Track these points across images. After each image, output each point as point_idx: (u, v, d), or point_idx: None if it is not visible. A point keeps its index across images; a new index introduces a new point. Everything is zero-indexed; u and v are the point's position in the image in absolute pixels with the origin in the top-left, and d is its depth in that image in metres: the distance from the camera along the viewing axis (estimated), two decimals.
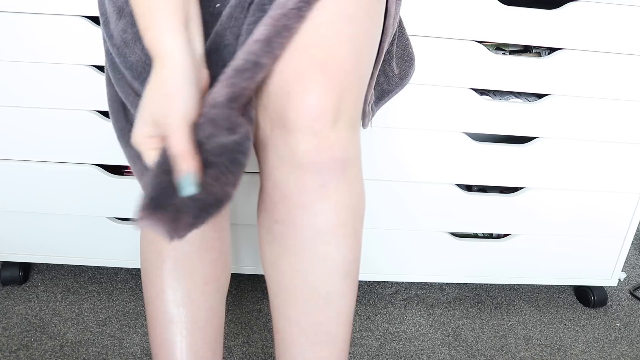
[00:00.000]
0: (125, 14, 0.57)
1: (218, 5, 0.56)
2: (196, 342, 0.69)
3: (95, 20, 0.87)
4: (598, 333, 1.11)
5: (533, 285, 1.24)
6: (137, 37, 0.56)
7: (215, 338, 0.72)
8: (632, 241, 1.43)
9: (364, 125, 0.85)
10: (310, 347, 0.63)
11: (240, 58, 0.52)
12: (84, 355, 0.92)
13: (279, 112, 0.54)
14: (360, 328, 1.05)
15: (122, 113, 0.63)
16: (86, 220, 1.01)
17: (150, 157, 0.52)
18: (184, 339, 0.68)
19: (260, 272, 1.09)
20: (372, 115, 0.85)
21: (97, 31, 0.86)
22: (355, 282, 0.64)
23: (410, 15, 0.88)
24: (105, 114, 0.94)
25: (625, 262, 1.37)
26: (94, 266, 1.15)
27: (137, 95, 0.58)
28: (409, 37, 0.87)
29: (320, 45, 0.53)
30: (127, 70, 0.58)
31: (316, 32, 0.54)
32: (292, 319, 0.63)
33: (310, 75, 0.53)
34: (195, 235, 0.68)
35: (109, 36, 0.59)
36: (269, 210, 0.60)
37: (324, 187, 0.56)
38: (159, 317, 0.69)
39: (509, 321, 1.12)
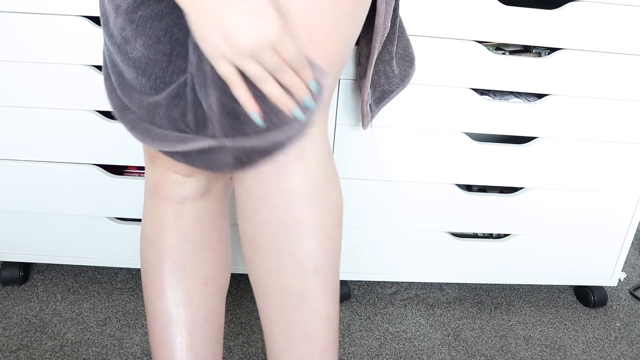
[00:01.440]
0: (122, 11, 0.56)
1: None
2: (196, 342, 0.69)
3: (95, 20, 0.87)
4: (598, 333, 1.11)
5: (533, 285, 1.24)
6: (137, 34, 0.56)
7: (215, 338, 0.72)
8: (632, 241, 1.43)
9: (363, 125, 0.85)
10: (289, 346, 0.63)
11: None
12: (84, 355, 0.92)
13: None
14: (360, 328, 1.05)
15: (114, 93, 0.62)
16: (86, 220, 1.01)
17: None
18: (184, 339, 0.69)
19: None
20: (372, 116, 0.85)
21: (97, 31, 0.86)
22: (331, 280, 0.62)
23: (410, 15, 0.88)
24: (105, 114, 0.94)
25: (625, 262, 1.37)
26: (94, 266, 1.15)
27: (140, 92, 0.58)
28: (409, 37, 0.87)
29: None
30: (131, 67, 0.57)
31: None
32: (272, 318, 0.63)
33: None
34: (195, 235, 0.68)
35: (109, 35, 0.59)
36: (240, 210, 0.61)
37: (280, 178, 0.55)
38: (158, 316, 0.69)
39: (509, 321, 1.12)
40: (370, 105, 0.83)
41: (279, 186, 0.56)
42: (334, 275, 0.63)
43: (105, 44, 0.61)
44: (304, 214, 0.58)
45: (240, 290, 1.13)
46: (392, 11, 0.71)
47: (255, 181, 0.56)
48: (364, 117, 0.83)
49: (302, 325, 0.63)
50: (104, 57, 0.63)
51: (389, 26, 0.72)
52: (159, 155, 0.64)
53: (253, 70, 0.48)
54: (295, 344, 0.63)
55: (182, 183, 0.65)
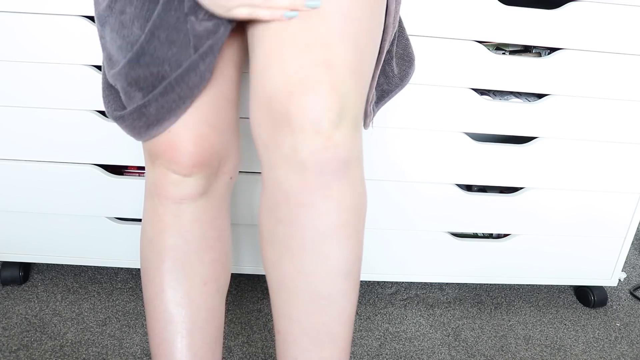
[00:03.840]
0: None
1: None
2: (195, 342, 0.69)
3: (94, 20, 0.87)
4: (598, 333, 1.11)
5: (533, 285, 1.24)
6: (135, 16, 0.57)
7: (214, 338, 0.72)
8: (632, 241, 1.43)
9: (365, 125, 0.85)
10: (312, 347, 0.63)
11: None
12: (84, 355, 0.92)
13: (282, 112, 0.54)
14: (360, 328, 1.05)
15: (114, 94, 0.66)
16: (86, 220, 1.01)
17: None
18: (183, 339, 0.69)
19: (261, 272, 1.09)
20: (373, 116, 0.85)
21: (97, 31, 0.86)
22: (357, 282, 0.64)
23: (410, 15, 0.88)
24: (105, 114, 0.94)
25: (625, 262, 1.37)
26: (94, 266, 1.15)
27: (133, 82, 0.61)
28: (409, 37, 0.87)
29: (324, 45, 0.53)
30: (129, 52, 0.60)
31: (318, 31, 0.54)
32: (294, 319, 0.63)
33: (314, 74, 0.52)
34: (194, 235, 0.68)
35: (102, 23, 0.62)
36: (271, 210, 0.60)
37: (326, 188, 0.56)
38: (158, 316, 0.69)
39: (509, 321, 1.12)
40: (372, 105, 0.83)
41: (325, 195, 0.56)
42: (359, 277, 0.65)
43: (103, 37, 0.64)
44: (345, 222, 0.58)
45: (240, 290, 1.13)
46: (399, 10, 0.71)
47: (300, 187, 0.56)
48: (367, 117, 0.83)
49: (328, 327, 0.63)
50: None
51: (397, 25, 0.72)
52: (159, 155, 0.64)
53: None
54: (320, 345, 0.63)
55: (181, 183, 0.65)
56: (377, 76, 0.81)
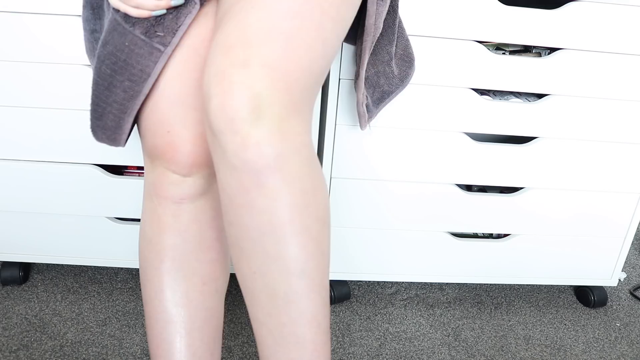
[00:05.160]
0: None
1: None
2: (194, 342, 0.69)
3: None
4: (598, 333, 1.11)
5: (533, 285, 1.24)
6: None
7: (213, 338, 0.72)
8: (632, 241, 1.43)
9: (361, 126, 0.85)
10: (278, 348, 0.63)
11: None
12: (84, 355, 0.92)
13: (206, 115, 0.55)
14: (360, 328, 1.05)
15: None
16: (86, 220, 1.01)
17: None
18: (182, 339, 0.69)
19: None
20: (371, 117, 0.85)
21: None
22: (317, 282, 0.62)
23: (410, 15, 0.88)
24: None
25: (625, 262, 1.37)
26: (94, 266, 1.15)
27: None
28: (409, 37, 0.87)
29: (245, 44, 0.53)
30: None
31: (247, 31, 0.54)
32: (261, 321, 0.64)
33: (229, 75, 0.53)
34: (193, 235, 0.69)
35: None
36: (224, 214, 0.61)
37: (260, 186, 0.55)
38: (157, 317, 0.69)
39: (509, 321, 1.12)
40: (367, 105, 0.83)
41: (260, 193, 0.56)
42: (320, 277, 0.62)
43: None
44: (287, 219, 0.57)
45: (240, 291, 1.13)
46: (384, 12, 0.71)
47: (237, 187, 0.56)
48: (361, 117, 0.83)
49: (290, 328, 0.63)
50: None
51: (380, 27, 0.72)
52: (159, 155, 0.64)
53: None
54: (285, 346, 0.63)
55: (180, 183, 0.65)
56: (377, 77, 0.81)
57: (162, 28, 0.60)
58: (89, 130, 0.93)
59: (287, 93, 0.55)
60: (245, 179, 0.55)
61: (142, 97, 0.62)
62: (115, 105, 0.63)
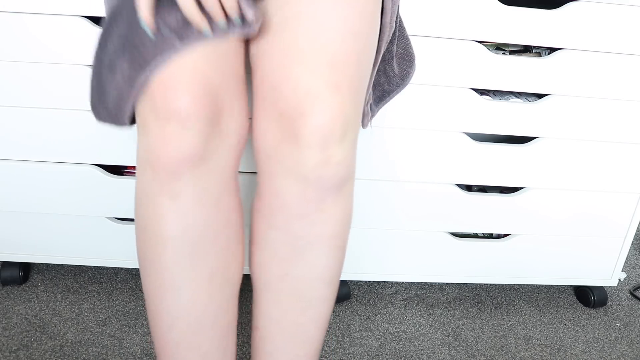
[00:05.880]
0: None
1: None
2: (203, 342, 0.65)
3: (95, 20, 0.87)
4: (598, 333, 1.11)
5: (533, 285, 1.24)
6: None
7: (225, 336, 0.66)
8: (632, 241, 1.43)
9: (363, 125, 0.85)
10: (287, 345, 0.67)
11: None
12: (84, 355, 0.92)
13: (292, 128, 0.57)
14: (360, 328, 1.05)
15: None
16: (86, 220, 1.01)
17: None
18: (190, 341, 0.64)
19: None
20: (372, 116, 0.85)
21: (97, 31, 0.86)
22: (336, 289, 0.68)
23: (410, 15, 0.88)
24: None
25: (625, 262, 1.37)
26: (94, 266, 1.15)
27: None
28: (409, 37, 0.87)
29: (332, 66, 0.57)
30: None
31: (327, 51, 0.57)
32: (274, 319, 0.66)
33: (324, 97, 0.56)
34: (197, 222, 0.60)
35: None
36: (265, 217, 0.62)
37: (322, 201, 0.60)
38: (161, 317, 0.63)
39: (509, 321, 1.12)
40: (370, 104, 0.83)
41: (319, 208, 0.60)
42: (338, 284, 0.69)
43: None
44: (334, 234, 0.63)
45: (240, 291, 1.13)
46: (396, 10, 0.71)
47: (298, 197, 0.60)
48: (364, 116, 0.83)
49: (304, 328, 0.66)
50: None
51: (394, 25, 0.72)
52: (152, 99, 0.56)
53: None
54: (295, 343, 0.67)
55: (177, 137, 0.56)
56: (378, 76, 0.82)
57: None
58: (89, 129, 0.93)
59: (360, 112, 0.61)
60: (310, 192, 0.59)
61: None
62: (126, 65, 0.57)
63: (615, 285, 1.19)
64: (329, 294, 0.67)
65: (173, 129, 0.56)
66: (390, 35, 0.73)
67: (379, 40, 0.70)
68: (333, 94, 0.56)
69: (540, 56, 0.97)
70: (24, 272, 1.08)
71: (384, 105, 0.86)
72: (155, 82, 0.56)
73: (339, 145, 0.57)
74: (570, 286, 1.25)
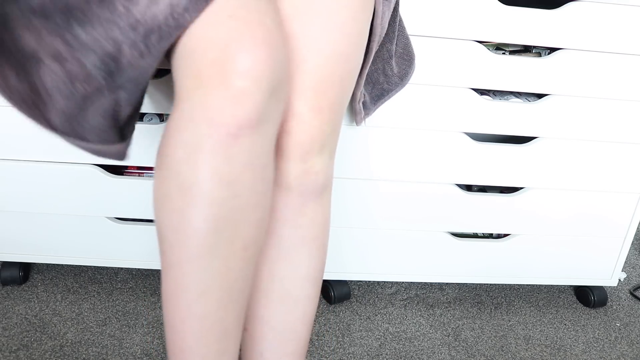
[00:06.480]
0: None
1: None
2: (228, 315, 0.59)
3: None
4: (598, 333, 1.11)
5: (533, 285, 1.24)
6: None
7: (244, 309, 0.63)
8: (632, 241, 1.43)
9: (356, 122, 0.86)
10: (277, 343, 0.72)
11: None
12: (84, 355, 0.92)
13: (277, 144, 0.62)
14: (360, 328, 1.05)
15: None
16: (86, 220, 1.01)
17: None
18: (216, 313, 0.58)
19: None
20: (368, 114, 0.85)
21: None
22: (320, 287, 0.74)
23: (410, 15, 0.88)
24: None
25: (625, 262, 1.37)
26: (94, 266, 1.15)
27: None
28: (409, 36, 0.87)
29: (317, 91, 0.63)
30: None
31: (314, 78, 0.62)
32: (264, 319, 0.71)
33: (307, 119, 0.63)
34: (245, 187, 0.55)
35: None
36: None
37: (304, 206, 0.66)
38: (188, 287, 0.56)
39: (509, 321, 1.12)
40: (364, 102, 0.84)
41: (302, 212, 0.67)
42: (321, 283, 0.75)
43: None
44: (316, 235, 0.69)
45: None
46: (388, 12, 0.71)
47: (282, 204, 0.66)
48: (357, 114, 0.84)
49: (291, 326, 0.72)
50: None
51: (385, 26, 0.72)
52: (214, 46, 0.51)
53: None
54: (283, 342, 0.72)
55: (243, 95, 0.51)
56: (377, 75, 0.82)
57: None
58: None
59: (339, 127, 0.67)
60: (292, 199, 0.66)
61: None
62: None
63: (615, 285, 1.19)
64: (313, 292, 0.72)
65: (240, 87, 0.50)
66: (383, 36, 0.74)
67: (369, 42, 0.72)
68: (315, 116, 0.63)
69: (540, 56, 0.97)
70: (24, 272, 1.08)
71: (382, 104, 0.86)
72: (214, 29, 0.51)
73: (318, 157, 0.64)
74: (570, 286, 1.25)
